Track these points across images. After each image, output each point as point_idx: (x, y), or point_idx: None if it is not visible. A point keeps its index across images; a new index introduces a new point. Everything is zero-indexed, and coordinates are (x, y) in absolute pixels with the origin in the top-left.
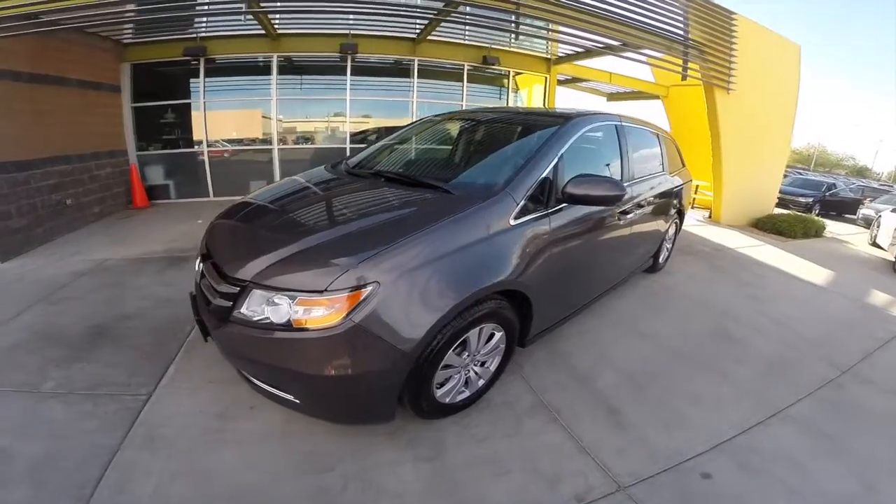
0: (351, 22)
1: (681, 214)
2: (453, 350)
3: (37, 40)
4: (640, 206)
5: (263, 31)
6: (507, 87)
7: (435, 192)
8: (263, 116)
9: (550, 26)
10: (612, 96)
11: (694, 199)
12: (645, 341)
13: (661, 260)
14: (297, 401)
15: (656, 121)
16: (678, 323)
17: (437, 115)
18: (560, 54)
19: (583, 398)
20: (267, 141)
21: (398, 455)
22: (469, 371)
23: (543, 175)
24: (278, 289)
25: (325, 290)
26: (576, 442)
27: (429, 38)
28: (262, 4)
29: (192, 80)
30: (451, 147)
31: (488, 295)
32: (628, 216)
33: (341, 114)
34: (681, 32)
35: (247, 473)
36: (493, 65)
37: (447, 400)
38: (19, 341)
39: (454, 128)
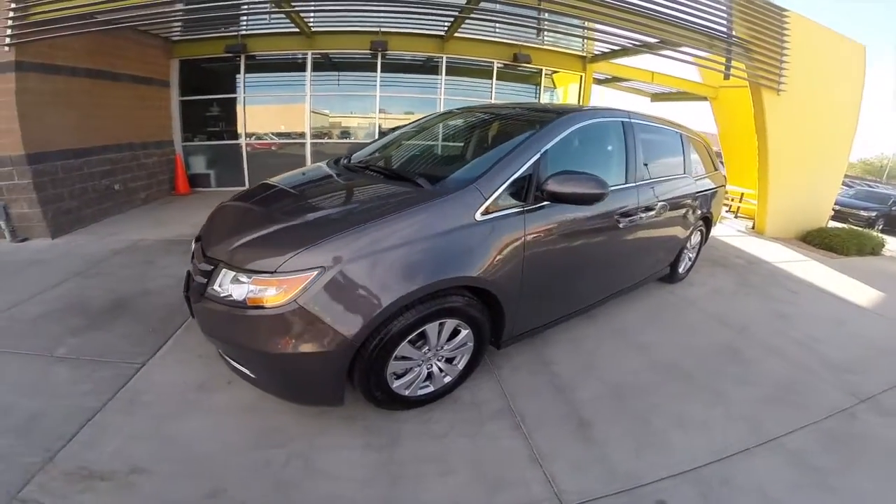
0: (381, 19)
1: (707, 222)
2: (409, 342)
3: (93, 38)
4: (649, 209)
5: (298, 30)
6: (540, 86)
7: (410, 185)
8: (300, 111)
9: (585, 24)
10: (656, 97)
11: (738, 207)
12: (642, 354)
13: (681, 270)
14: (253, 376)
15: (704, 123)
16: (685, 337)
17: (455, 110)
18: (596, 52)
19: (555, 407)
20: (301, 135)
21: (350, 440)
22: (432, 366)
23: (521, 172)
24: (240, 268)
25: (276, 271)
26: (532, 451)
27: (458, 35)
28: (294, 4)
29: (235, 76)
30: (442, 143)
31: (447, 290)
32: (633, 219)
33: (371, 110)
34: (723, 29)
35: (204, 441)
36: (523, 62)
37: (407, 392)
38: (50, 310)
39: (452, 124)
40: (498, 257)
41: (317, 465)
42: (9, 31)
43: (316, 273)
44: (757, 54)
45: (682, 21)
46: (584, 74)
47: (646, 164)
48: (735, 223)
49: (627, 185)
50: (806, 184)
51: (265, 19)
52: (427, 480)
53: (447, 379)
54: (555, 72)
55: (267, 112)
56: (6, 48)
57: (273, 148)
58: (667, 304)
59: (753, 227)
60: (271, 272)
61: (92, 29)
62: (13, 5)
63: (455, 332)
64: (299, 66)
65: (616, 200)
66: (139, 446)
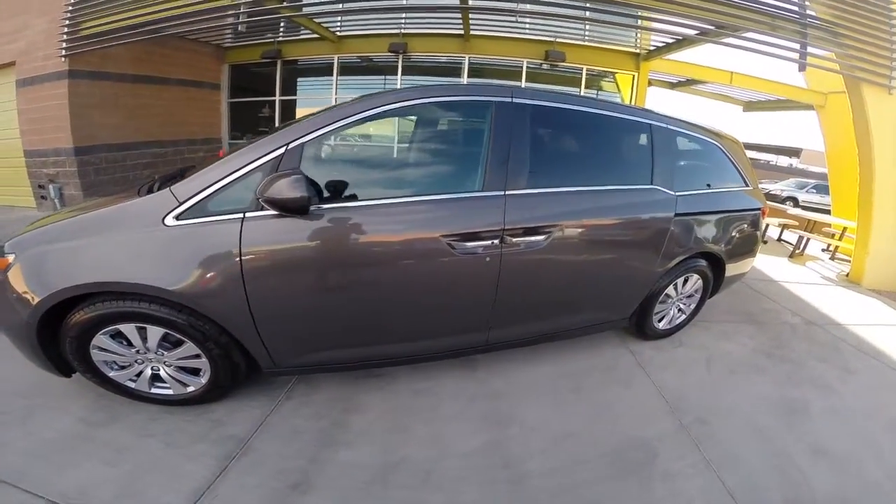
0: (401, 20)
1: (714, 261)
2: (112, 337)
3: (142, 47)
4: (534, 232)
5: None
6: (580, 88)
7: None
8: None
9: (639, 13)
10: (749, 105)
11: (837, 246)
12: (489, 433)
13: (659, 324)
14: None
15: (810, 138)
16: (586, 422)
17: None
18: (651, 47)
19: (296, 458)
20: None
21: (77, 410)
22: (158, 369)
23: (241, 172)
24: None
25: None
26: (208, 487)
27: (478, 33)
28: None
29: (274, 79)
30: None
31: (138, 295)
32: (489, 245)
33: None
34: (794, 8)
35: None
36: (558, 61)
37: (133, 385)
38: None
39: None
40: (200, 271)
41: (27, 420)
42: (63, 45)
43: (13, 257)
44: (849, 39)
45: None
46: (637, 74)
47: (543, 166)
48: (826, 267)
49: (481, 195)
50: None
51: (293, 27)
52: (85, 460)
53: (191, 388)
54: (605, 72)
55: (299, 114)
56: (62, 59)
57: None
58: (606, 368)
59: (848, 275)
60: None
61: (137, 39)
62: (67, 21)
63: (179, 342)
64: (327, 71)
65: (441, 215)
66: None
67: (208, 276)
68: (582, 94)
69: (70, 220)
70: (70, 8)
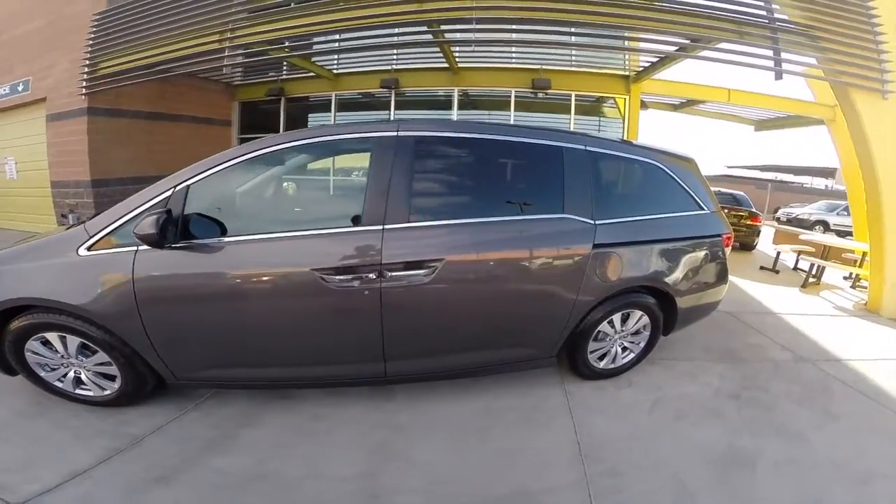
0: (394, 57)
1: (664, 299)
2: (43, 343)
3: (157, 86)
4: (415, 266)
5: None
6: (570, 115)
7: None
8: None
9: (626, 34)
10: (760, 124)
11: (857, 275)
12: (361, 463)
13: (600, 362)
14: None
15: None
16: (476, 466)
17: None
18: (639, 68)
19: (173, 456)
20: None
21: (19, 405)
22: (80, 373)
23: (135, 212)
24: None
25: None
26: (87, 468)
27: (466, 65)
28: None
29: (279, 116)
30: None
31: (59, 310)
32: (364, 278)
33: None
34: (761, 11)
35: None
36: (543, 88)
37: (60, 386)
38: None
39: None
40: (102, 293)
41: None
42: (84, 83)
43: None
44: (829, 42)
45: (683, 6)
46: (628, 97)
47: (430, 199)
48: (844, 297)
49: (354, 230)
50: None
51: (295, 66)
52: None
53: (107, 392)
54: (596, 97)
55: None
56: (82, 97)
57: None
58: (529, 407)
59: (866, 304)
60: None
61: (150, 78)
62: (87, 61)
63: (94, 352)
64: (327, 107)
65: (311, 250)
66: None
67: (110, 298)
68: (572, 120)
69: (21, 246)
70: (90, 48)
